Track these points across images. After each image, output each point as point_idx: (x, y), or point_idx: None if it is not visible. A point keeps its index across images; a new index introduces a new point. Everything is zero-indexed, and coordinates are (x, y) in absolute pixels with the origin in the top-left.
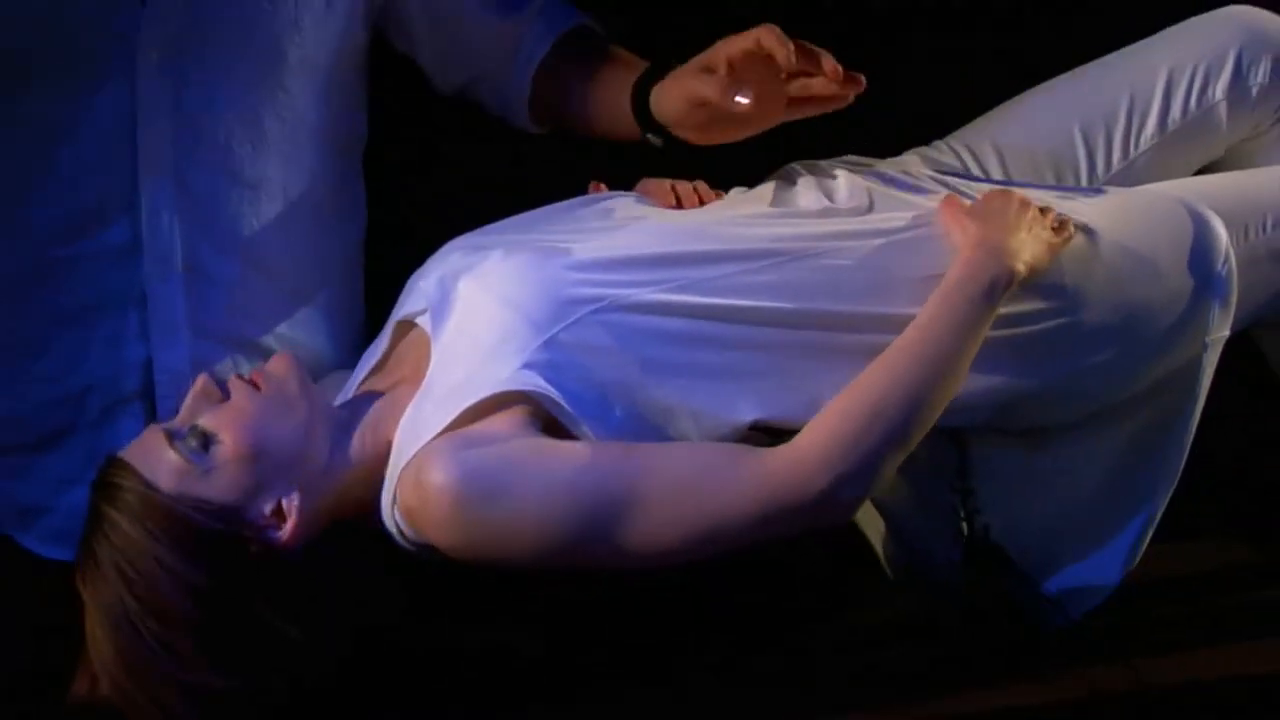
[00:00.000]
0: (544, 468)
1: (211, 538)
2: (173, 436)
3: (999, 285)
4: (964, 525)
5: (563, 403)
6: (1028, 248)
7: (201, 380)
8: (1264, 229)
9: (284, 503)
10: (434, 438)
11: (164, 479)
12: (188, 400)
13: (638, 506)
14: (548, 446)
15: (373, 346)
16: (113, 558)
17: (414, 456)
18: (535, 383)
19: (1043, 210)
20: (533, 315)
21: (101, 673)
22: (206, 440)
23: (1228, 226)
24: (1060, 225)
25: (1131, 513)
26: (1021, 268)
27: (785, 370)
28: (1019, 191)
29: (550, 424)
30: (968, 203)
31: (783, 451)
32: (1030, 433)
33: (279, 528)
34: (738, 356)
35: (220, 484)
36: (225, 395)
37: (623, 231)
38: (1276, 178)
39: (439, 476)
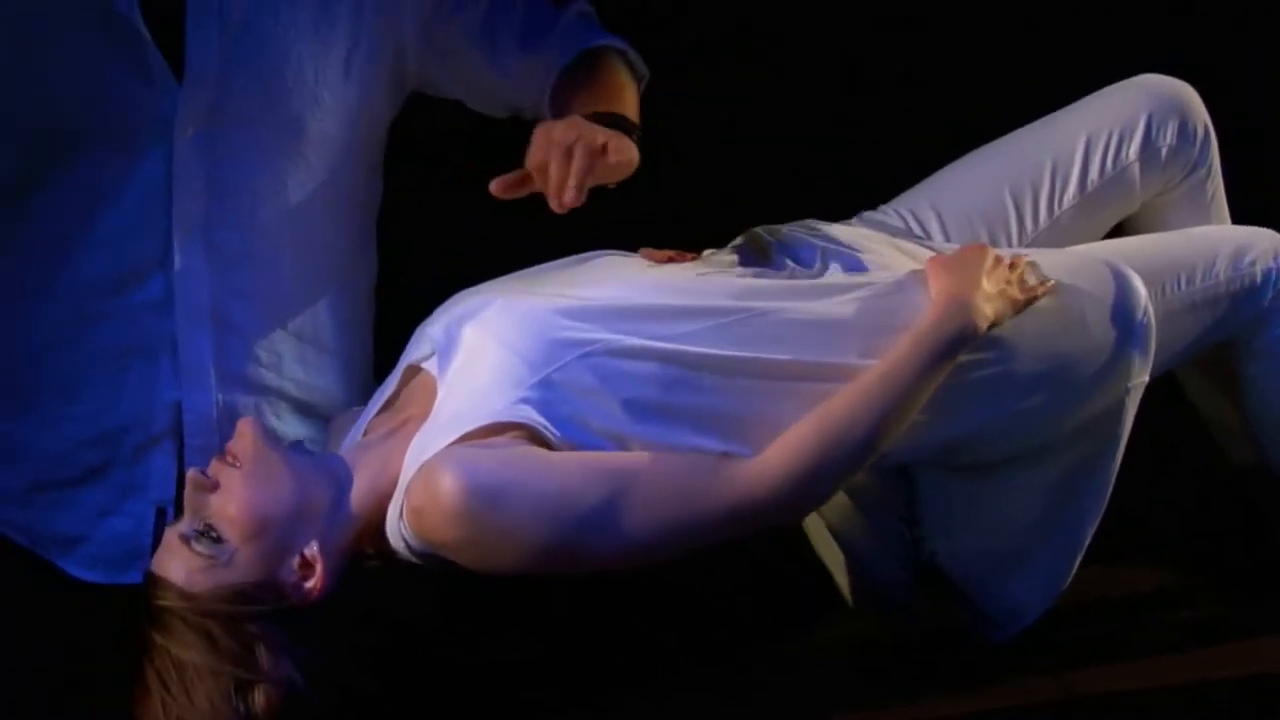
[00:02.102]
0: (544, 468)
1: (257, 618)
2: (187, 540)
3: (965, 337)
4: (912, 551)
5: (554, 434)
6: (994, 304)
7: (190, 475)
8: (1179, 285)
9: (307, 554)
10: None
11: (197, 581)
12: (186, 497)
13: (627, 502)
14: (546, 453)
15: (383, 386)
16: (160, 692)
17: (422, 465)
18: (530, 415)
19: (1013, 264)
20: (529, 356)
21: None
22: (214, 532)
23: (1147, 284)
24: (1030, 285)
25: (1063, 540)
26: (984, 324)
27: (751, 411)
28: (992, 249)
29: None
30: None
31: (755, 463)
32: (971, 467)
33: (310, 577)
34: (709, 399)
35: (244, 565)
36: (215, 483)
37: (610, 285)
38: (1190, 239)
39: (448, 478)
